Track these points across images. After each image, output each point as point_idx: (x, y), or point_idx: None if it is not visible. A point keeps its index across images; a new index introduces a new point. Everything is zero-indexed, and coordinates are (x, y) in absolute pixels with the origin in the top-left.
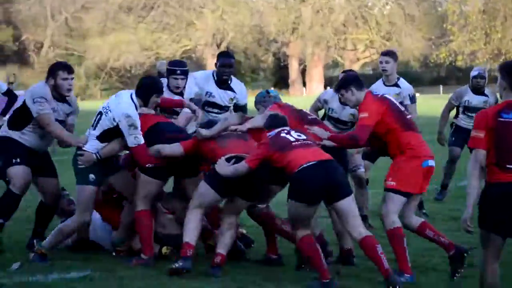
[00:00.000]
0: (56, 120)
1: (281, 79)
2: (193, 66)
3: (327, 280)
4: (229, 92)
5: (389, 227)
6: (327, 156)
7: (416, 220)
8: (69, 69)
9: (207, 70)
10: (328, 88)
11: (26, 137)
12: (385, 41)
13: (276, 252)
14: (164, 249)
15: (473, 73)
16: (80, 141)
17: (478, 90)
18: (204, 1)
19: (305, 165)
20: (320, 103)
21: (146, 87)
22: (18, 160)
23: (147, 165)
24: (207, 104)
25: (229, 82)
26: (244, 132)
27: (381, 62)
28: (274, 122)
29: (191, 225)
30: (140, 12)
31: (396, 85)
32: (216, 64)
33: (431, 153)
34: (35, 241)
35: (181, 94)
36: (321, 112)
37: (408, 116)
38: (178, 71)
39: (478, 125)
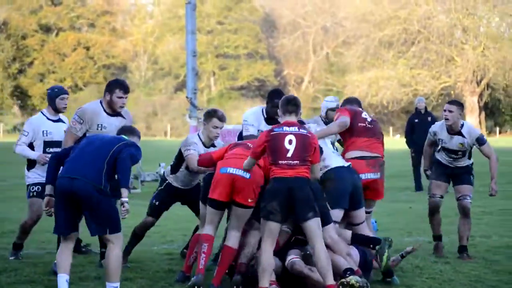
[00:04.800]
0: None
1: None
2: None
3: None
4: None
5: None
6: None
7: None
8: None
9: (256, 108)
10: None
11: None
12: None
13: None
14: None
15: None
16: None
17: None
18: (466, 37)
19: None
20: (431, 136)
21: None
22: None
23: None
24: None
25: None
26: None
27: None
28: None
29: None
30: (400, 48)
31: None
32: (267, 103)
33: (237, 163)
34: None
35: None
36: None
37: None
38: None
39: (260, 143)
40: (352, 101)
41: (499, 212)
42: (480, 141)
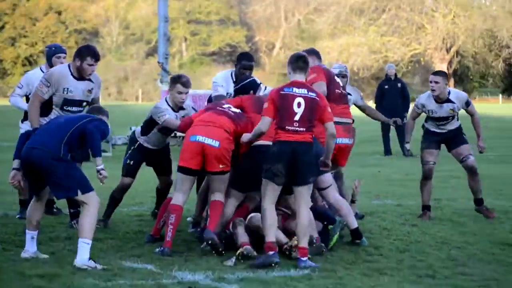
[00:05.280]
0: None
1: (511, 86)
2: (421, 69)
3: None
4: None
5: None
6: None
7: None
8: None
9: (225, 71)
10: (421, 95)
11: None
12: None
13: None
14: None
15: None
16: None
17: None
18: (436, 5)
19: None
20: (419, 109)
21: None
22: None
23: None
24: None
25: None
26: None
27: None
28: None
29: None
30: (371, 15)
31: None
32: (236, 65)
33: (205, 131)
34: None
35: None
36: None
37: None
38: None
39: (270, 101)
40: (312, 53)
41: (466, 176)
42: (468, 102)
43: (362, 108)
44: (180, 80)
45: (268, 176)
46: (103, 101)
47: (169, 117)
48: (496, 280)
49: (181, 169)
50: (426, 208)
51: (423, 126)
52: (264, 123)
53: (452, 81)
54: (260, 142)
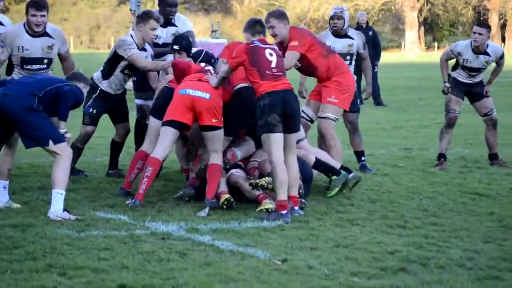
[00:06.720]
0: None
1: None
2: (391, 18)
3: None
4: (171, 28)
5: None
6: None
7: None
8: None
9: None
10: (459, 41)
11: None
12: None
13: None
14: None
15: (330, 13)
16: None
17: (338, 33)
18: None
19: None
20: (454, 55)
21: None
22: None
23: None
24: (155, 46)
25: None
26: None
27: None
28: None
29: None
30: None
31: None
32: (159, 5)
33: (195, 85)
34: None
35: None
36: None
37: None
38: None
39: (240, 54)
40: (283, 17)
41: (436, 125)
42: (502, 57)
43: (363, 57)
44: (153, 16)
45: (267, 130)
46: (75, 50)
47: (137, 52)
48: (467, 230)
49: (170, 123)
50: (442, 157)
51: (449, 75)
52: (226, 71)
53: (422, 29)
54: (240, 84)
